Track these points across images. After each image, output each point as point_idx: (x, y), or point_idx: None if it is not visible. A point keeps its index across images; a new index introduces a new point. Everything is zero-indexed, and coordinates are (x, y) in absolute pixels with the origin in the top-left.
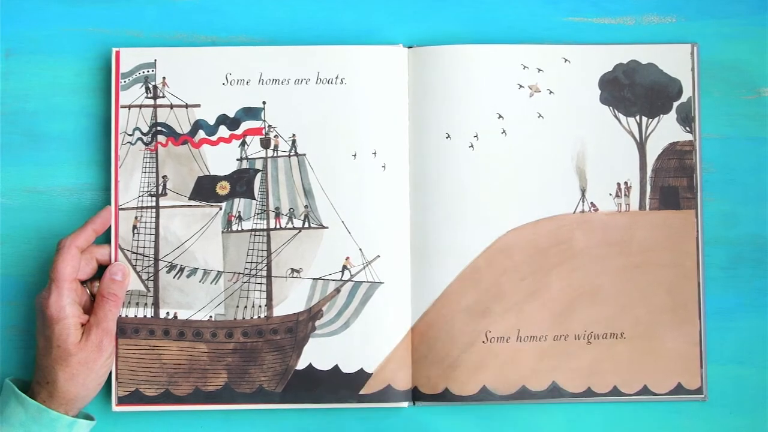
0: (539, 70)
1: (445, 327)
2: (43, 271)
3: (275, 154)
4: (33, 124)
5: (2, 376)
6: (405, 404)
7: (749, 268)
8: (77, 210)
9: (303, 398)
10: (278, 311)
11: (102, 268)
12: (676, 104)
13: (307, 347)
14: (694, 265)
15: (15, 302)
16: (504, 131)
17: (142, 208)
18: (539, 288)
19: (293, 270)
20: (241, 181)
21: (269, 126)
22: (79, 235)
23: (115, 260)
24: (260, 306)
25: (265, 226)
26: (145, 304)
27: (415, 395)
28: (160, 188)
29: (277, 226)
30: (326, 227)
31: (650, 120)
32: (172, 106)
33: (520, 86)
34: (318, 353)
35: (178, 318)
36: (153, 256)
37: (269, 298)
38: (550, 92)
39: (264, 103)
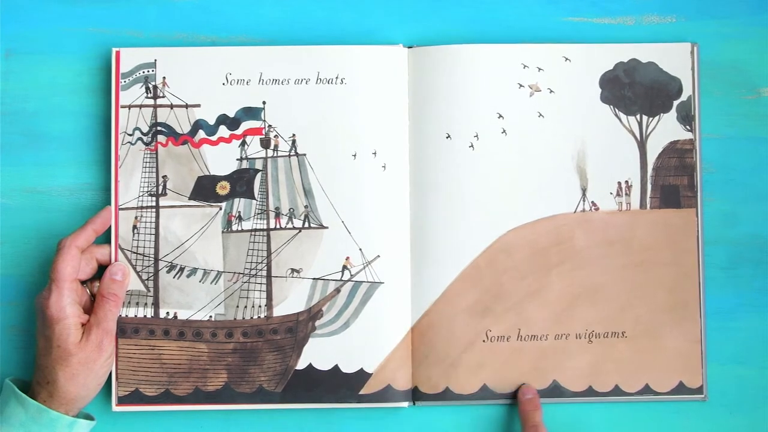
0: (539, 69)
1: (445, 326)
2: (43, 271)
3: (275, 154)
4: (33, 124)
5: (2, 376)
6: (405, 404)
7: (749, 267)
8: (77, 210)
9: (303, 398)
10: (278, 311)
11: (102, 268)
12: (676, 103)
13: (307, 347)
14: (695, 264)
15: (15, 302)
16: (504, 131)
17: (142, 208)
18: (540, 287)
19: (293, 270)
20: (241, 181)
21: (269, 126)
22: (79, 235)
23: (115, 260)
24: (260, 306)
25: (265, 226)
26: (145, 304)
27: (416, 395)
28: (160, 188)
29: (277, 226)
30: (326, 227)
31: (651, 119)
32: (172, 106)
33: (521, 86)
34: (318, 353)
35: (178, 318)
36: (153, 256)
37: (269, 298)
38: (551, 91)
39: (264, 103)
